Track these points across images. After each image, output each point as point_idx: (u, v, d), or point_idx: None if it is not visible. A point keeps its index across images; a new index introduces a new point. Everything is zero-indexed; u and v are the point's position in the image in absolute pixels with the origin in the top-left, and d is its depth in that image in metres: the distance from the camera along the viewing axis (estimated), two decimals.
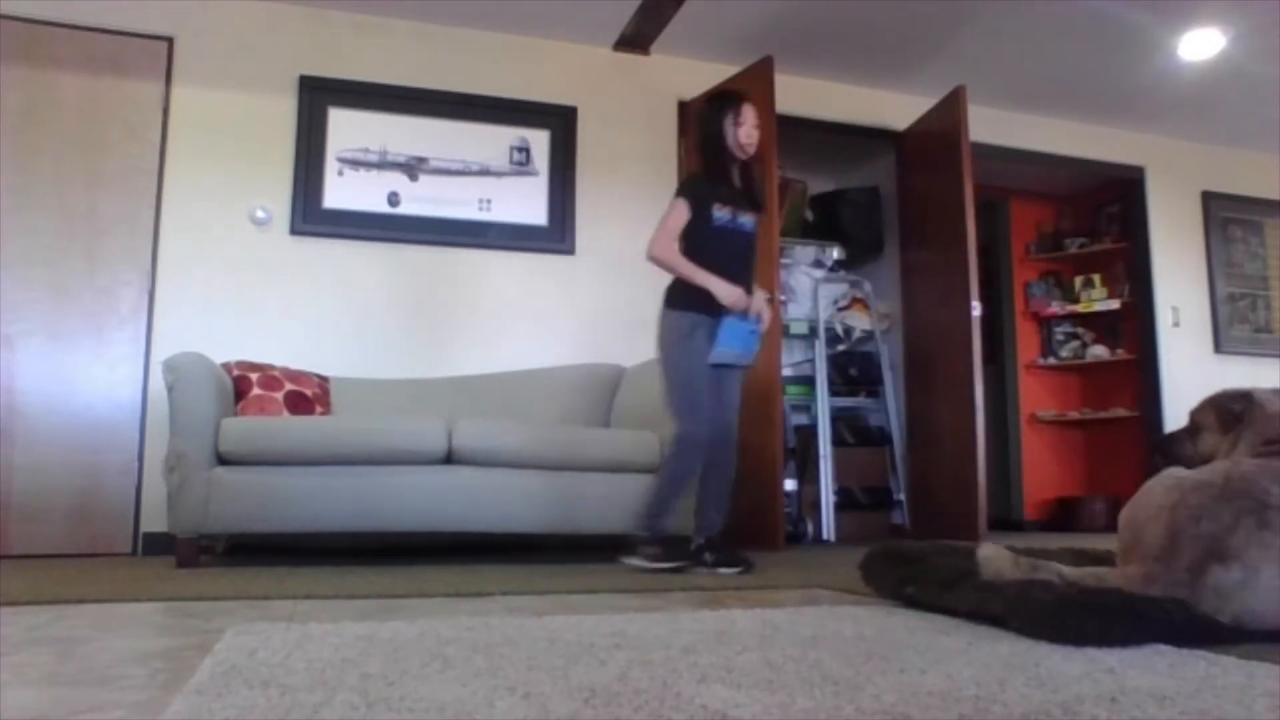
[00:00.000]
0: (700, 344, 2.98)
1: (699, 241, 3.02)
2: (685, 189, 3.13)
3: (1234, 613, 1.50)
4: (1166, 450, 2.07)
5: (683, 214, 3.03)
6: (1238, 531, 1.52)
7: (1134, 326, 5.86)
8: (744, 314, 2.99)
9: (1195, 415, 2.03)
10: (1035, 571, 1.68)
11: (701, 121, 3.22)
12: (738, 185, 3.14)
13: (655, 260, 3.04)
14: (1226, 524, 1.53)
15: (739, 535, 4.05)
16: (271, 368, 3.65)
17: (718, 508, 3.09)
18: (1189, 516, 1.52)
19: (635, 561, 2.98)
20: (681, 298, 3.03)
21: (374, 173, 4.29)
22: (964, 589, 1.82)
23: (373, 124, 4.31)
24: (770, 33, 4.52)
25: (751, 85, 4.36)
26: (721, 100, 3.18)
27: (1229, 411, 1.94)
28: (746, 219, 3.10)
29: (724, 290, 2.95)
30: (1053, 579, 1.63)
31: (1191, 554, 1.50)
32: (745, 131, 3.08)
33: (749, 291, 3.04)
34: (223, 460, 3.15)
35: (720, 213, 3.04)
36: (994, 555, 1.86)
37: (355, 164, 4.27)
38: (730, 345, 2.97)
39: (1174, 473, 1.69)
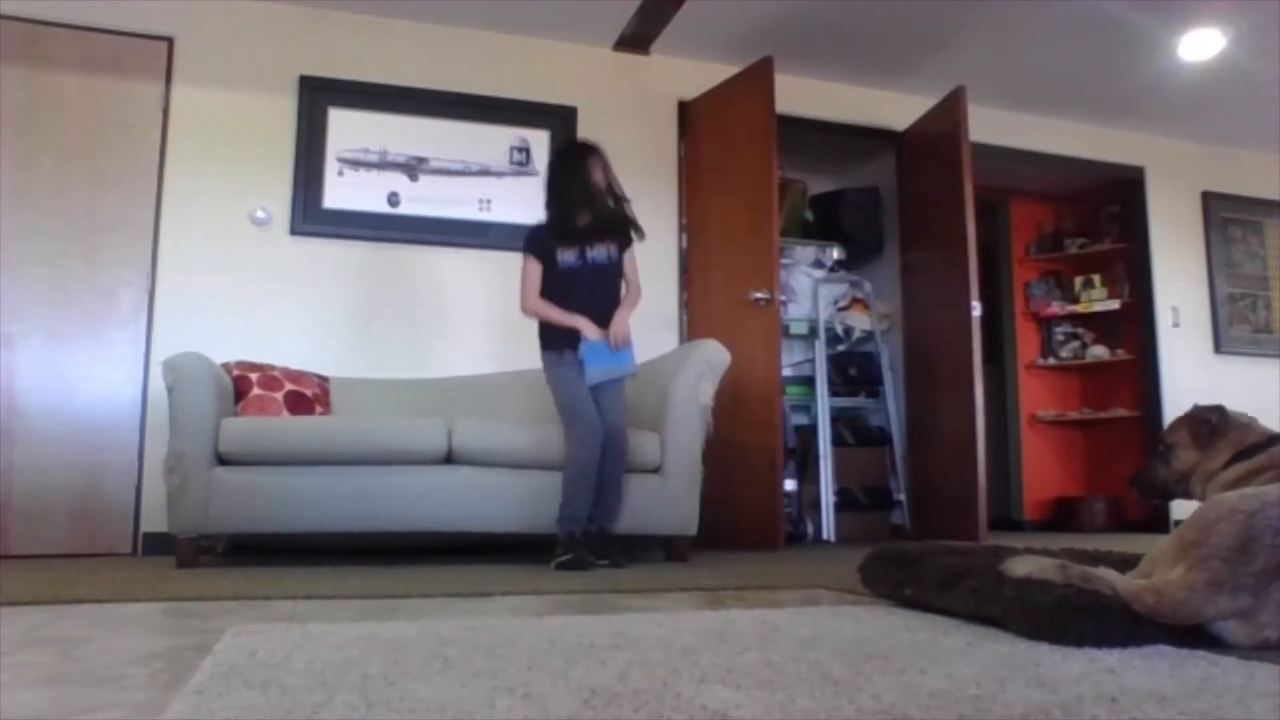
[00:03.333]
0: (570, 367, 3.30)
1: (550, 285, 3.35)
2: (527, 244, 3.40)
3: None
4: (1144, 481, 2.06)
5: (535, 267, 3.36)
6: None
7: (1134, 326, 5.86)
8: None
9: (1167, 435, 2.03)
10: (1087, 583, 1.65)
11: (548, 173, 3.50)
12: (588, 221, 3.35)
13: (530, 314, 3.38)
14: None
15: (740, 535, 4.07)
16: (271, 368, 3.65)
17: (613, 496, 3.29)
18: (1268, 526, 1.51)
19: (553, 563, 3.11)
20: (546, 338, 3.39)
21: (374, 173, 4.29)
22: (962, 590, 1.82)
23: (373, 124, 4.31)
24: (770, 33, 4.52)
25: (751, 85, 4.38)
26: (567, 157, 3.45)
27: (1204, 423, 1.94)
28: (597, 251, 3.35)
29: (583, 325, 3.29)
30: (1107, 593, 1.60)
31: (1264, 563, 1.48)
32: (596, 178, 3.35)
33: (609, 314, 3.33)
34: (223, 460, 3.15)
35: (565, 256, 3.33)
36: (1034, 571, 1.74)
37: (355, 164, 4.27)
38: (596, 364, 3.27)
39: (1254, 489, 1.67)
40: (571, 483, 3.20)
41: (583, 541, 3.14)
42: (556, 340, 3.34)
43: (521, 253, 3.40)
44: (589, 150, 3.41)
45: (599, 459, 3.22)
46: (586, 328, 3.28)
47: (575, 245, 3.34)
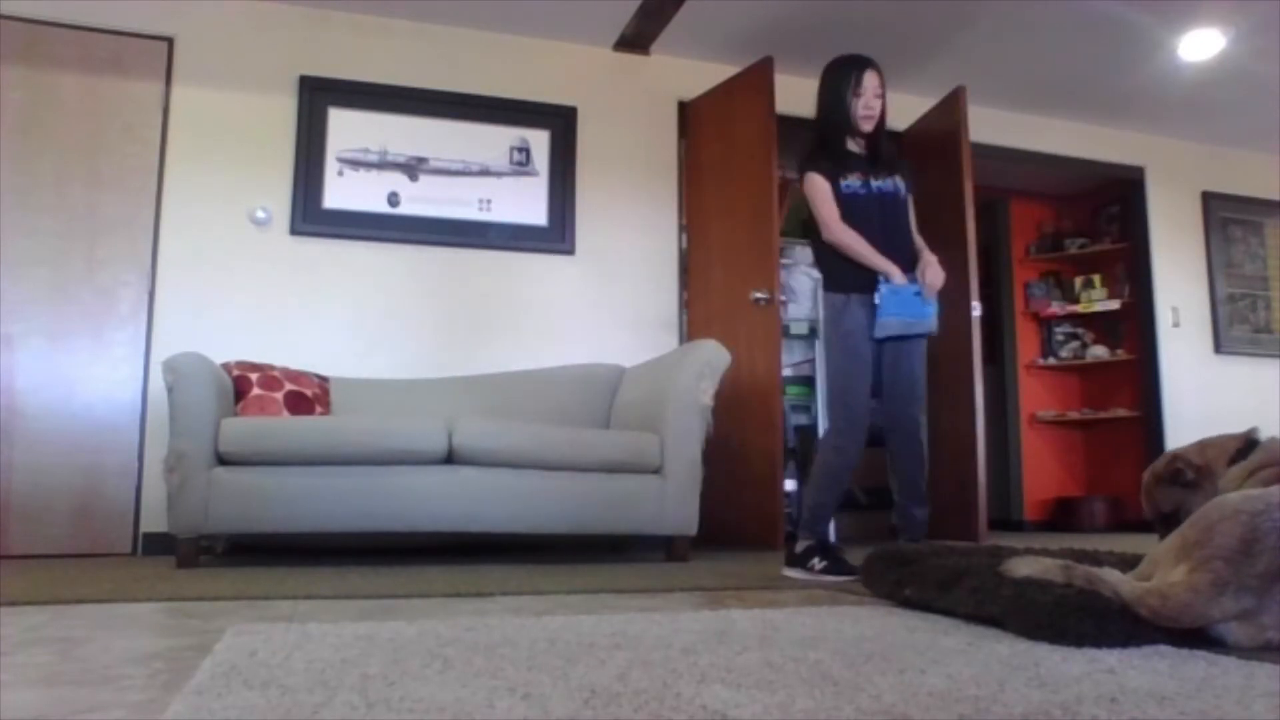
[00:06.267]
0: (854, 323, 2.86)
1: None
2: (808, 164, 2.99)
3: None
4: (1167, 523, 1.96)
5: (825, 187, 2.91)
6: None
7: (1134, 326, 5.86)
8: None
9: (1164, 505, 1.96)
10: (1091, 584, 1.64)
11: (820, 88, 3.03)
12: (861, 153, 3.01)
13: (836, 245, 2.91)
14: None
15: (740, 535, 4.07)
16: (271, 368, 3.65)
17: (913, 502, 2.91)
18: (1272, 527, 1.50)
19: (795, 573, 2.79)
20: (831, 277, 2.94)
21: (374, 173, 4.29)
22: (962, 590, 1.82)
23: (373, 124, 4.31)
24: (770, 33, 4.52)
25: (751, 85, 4.38)
26: (841, 67, 2.99)
27: (1179, 474, 1.92)
28: (883, 183, 2.97)
29: (893, 270, 2.85)
30: (1110, 596, 1.59)
31: (1267, 564, 1.48)
32: (864, 102, 2.94)
33: (908, 256, 2.94)
34: (223, 460, 3.15)
35: (849, 181, 2.93)
36: (1037, 572, 1.74)
37: (355, 164, 4.27)
38: (898, 314, 2.85)
39: (1258, 490, 1.66)
40: (810, 497, 2.88)
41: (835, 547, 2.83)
42: (844, 279, 2.88)
43: (801, 173, 2.99)
44: (866, 69, 2.95)
45: (854, 463, 2.87)
46: (894, 272, 2.84)
47: (857, 171, 2.95)
